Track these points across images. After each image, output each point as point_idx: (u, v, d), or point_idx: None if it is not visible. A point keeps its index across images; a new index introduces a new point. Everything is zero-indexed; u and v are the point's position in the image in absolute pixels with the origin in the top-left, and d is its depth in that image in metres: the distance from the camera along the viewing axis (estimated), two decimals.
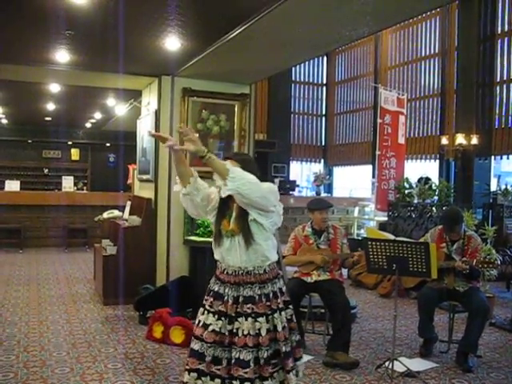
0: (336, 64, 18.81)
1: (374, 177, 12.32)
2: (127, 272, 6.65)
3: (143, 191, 7.71)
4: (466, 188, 12.55)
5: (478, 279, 5.20)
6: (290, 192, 15.57)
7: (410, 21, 14.61)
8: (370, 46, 17.00)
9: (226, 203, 2.92)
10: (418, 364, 4.78)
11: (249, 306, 2.82)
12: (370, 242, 4.55)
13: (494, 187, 11.93)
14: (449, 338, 5.22)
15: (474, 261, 4.72)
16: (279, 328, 2.83)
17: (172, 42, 5.76)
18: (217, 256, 2.98)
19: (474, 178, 12.56)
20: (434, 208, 9.75)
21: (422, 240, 5.11)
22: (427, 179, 10.03)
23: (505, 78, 12.68)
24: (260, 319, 2.81)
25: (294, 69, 17.84)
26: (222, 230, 2.92)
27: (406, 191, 9.63)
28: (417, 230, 9.16)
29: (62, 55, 6.51)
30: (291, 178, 17.40)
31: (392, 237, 5.34)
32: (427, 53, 14.93)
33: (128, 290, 6.49)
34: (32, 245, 11.54)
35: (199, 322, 2.91)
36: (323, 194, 15.86)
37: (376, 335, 5.75)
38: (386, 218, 9.63)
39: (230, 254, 2.89)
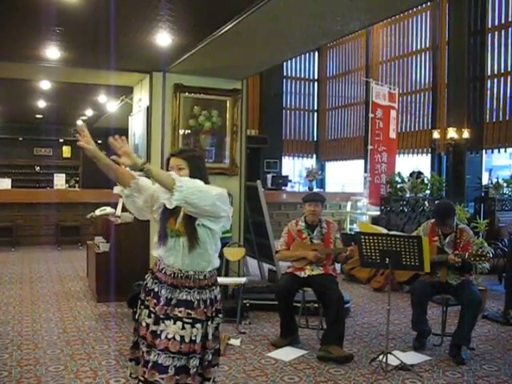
0: (327, 59, 18.82)
1: (366, 171, 12.34)
2: (120, 269, 6.63)
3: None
4: (458, 182, 12.60)
5: (471, 272, 5.23)
6: (283, 187, 15.57)
7: (401, 15, 14.65)
8: (362, 40, 17.02)
9: None
10: (411, 357, 4.79)
11: (181, 309, 2.72)
12: (362, 236, 4.56)
13: (485, 181, 11.97)
14: (442, 331, 5.24)
15: (467, 254, 4.75)
16: (209, 336, 2.78)
17: (163, 38, 5.75)
18: (156, 253, 2.88)
19: (465, 172, 12.61)
20: (426, 202, 9.78)
21: (414, 234, 5.13)
22: (419, 173, 10.05)
23: (495, 72, 12.75)
24: (197, 325, 2.72)
25: (285, 64, 17.85)
26: (167, 229, 2.80)
27: (399, 185, 9.65)
28: (409, 223, 9.19)
29: (53, 52, 6.48)
30: (283, 173, 17.42)
31: (385, 231, 5.35)
32: (418, 47, 14.97)
33: (121, 287, 6.46)
34: (24, 243, 11.48)
35: (138, 314, 2.88)
36: (315, 189, 15.88)
37: (369, 329, 5.77)
38: (378, 213, 9.65)
39: (172, 254, 2.78)
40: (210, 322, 2.79)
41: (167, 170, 2.83)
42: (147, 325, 2.77)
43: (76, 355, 4.73)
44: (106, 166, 2.79)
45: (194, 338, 2.71)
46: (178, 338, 2.68)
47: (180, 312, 2.72)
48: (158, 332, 2.71)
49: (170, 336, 2.68)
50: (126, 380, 4.16)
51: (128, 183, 2.80)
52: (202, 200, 2.59)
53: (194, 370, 2.70)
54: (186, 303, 2.73)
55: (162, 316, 2.73)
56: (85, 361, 4.59)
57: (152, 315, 2.76)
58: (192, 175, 2.75)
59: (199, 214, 2.66)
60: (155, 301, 2.78)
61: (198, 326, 2.73)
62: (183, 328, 2.70)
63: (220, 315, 2.90)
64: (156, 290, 2.80)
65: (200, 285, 2.77)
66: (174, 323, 2.70)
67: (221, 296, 2.95)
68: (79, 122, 2.84)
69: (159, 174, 2.61)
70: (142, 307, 2.84)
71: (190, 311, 2.72)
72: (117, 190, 2.85)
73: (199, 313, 2.74)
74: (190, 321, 2.71)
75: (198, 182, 2.64)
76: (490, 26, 12.82)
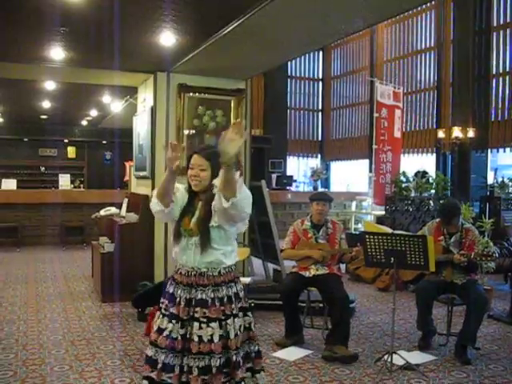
0: (332, 59, 18.80)
1: (371, 171, 12.32)
2: (125, 269, 6.64)
3: (140, 188, 7.69)
4: (463, 181, 12.57)
5: (476, 272, 5.20)
6: (287, 187, 15.55)
7: (406, 14, 14.61)
8: (366, 40, 16.99)
9: (191, 202, 2.85)
10: (416, 357, 4.78)
11: (197, 309, 2.73)
12: (367, 236, 4.55)
13: (490, 180, 11.93)
14: (447, 331, 5.22)
15: (472, 254, 4.73)
16: (231, 335, 2.73)
17: (167, 38, 5.74)
18: (173, 254, 2.90)
19: (470, 171, 12.57)
20: (431, 201, 9.76)
21: (419, 233, 5.11)
22: (424, 173, 10.03)
23: (501, 71, 12.69)
24: (212, 324, 2.71)
25: (290, 64, 17.84)
26: (181, 228, 2.83)
27: (404, 185, 9.63)
28: (414, 223, 9.17)
29: (57, 52, 6.48)
30: (288, 173, 17.39)
31: (390, 230, 5.33)
32: (423, 46, 14.93)
33: (126, 287, 6.47)
34: (29, 243, 11.51)
35: (156, 326, 2.84)
36: (320, 189, 15.86)
37: (375, 329, 5.76)
38: (383, 212, 9.63)
39: (185, 254, 2.80)
40: (230, 321, 2.74)
41: (187, 167, 2.84)
42: (169, 332, 2.76)
43: (81, 355, 4.74)
44: (174, 178, 2.80)
45: (209, 338, 2.70)
46: (196, 338, 2.70)
47: (197, 312, 2.73)
48: (188, 335, 2.73)
49: (196, 339, 2.69)
50: (130, 380, 4.16)
51: (170, 198, 2.80)
52: (247, 205, 2.62)
53: (215, 369, 2.68)
54: (201, 302, 2.74)
55: (185, 317, 2.74)
56: (90, 361, 4.60)
57: (173, 320, 2.76)
58: (214, 175, 2.77)
59: (230, 217, 2.64)
60: (167, 302, 2.82)
61: (214, 325, 2.71)
62: (200, 328, 2.71)
63: (249, 314, 2.86)
64: (171, 291, 2.83)
65: (215, 282, 2.77)
66: (200, 325, 2.72)
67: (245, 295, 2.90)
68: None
69: (235, 179, 2.58)
70: (161, 317, 2.85)
71: (205, 310, 2.73)
72: (157, 207, 2.82)
73: (214, 311, 2.73)
74: (205, 320, 2.71)
75: (248, 192, 2.64)
76: (495, 24, 12.77)
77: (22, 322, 5.80)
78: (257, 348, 2.88)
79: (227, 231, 2.76)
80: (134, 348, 4.96)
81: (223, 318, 2.73)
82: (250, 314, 2.86)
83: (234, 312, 2.77)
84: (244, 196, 2.59)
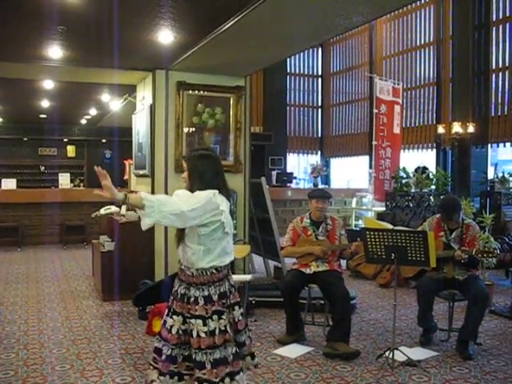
0: (331, 55, 18.75)
1: (371, 167, 12.30)
2: (126, 267, 6.64)
3: (140, 186, 7.69)
4: (464, 176, 12.55)
5: (477, 267, 5.20)
6: (288, 184, 15.54)
7: (405, 9, 14.58)
8: (365, 36, 16.95)
9: None
10: (418, 353, 4.77)
11: (174, 300, 2.97)
12: (368, 232, 4.54)
13: (491, 175, 11.91)
14: (449, 327, 5.22)
15: (474, 250, 4.71)
16: (194, 334, 2.83)
17: (165, 36, 5.73)
18: None
19: (471, 167, 12.55)
20: (431, 197, 9.75)
21: (420, 229, 5.10)
22: (424, 168, 10.02)
23: (500, 66, 12.65)
24: (174, 317, 2.91)
25: (289, 61, 17.79)
26: None
27: (404, 181, 9.62)
28: (415, 219, 9.15)
29: (55, 51, 6.47)
30: (288, 170, 17.38)
31: (390, 226, 5.32)
32: (422, 42, 14.88)
33: (127, 286, 6.47)
34: (30, 243, 11.51)
35: (164, 322, 3.01)
36: (321, 186, 15.83)
37: (376, 325, 5.75)
38: (383, 208, 9.62)
39: (179, 250, 2.99)
40: (193, 320, 2.84)
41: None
42: (176, 329, 2.93)
43: (82, 354, 4.73)
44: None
45: (168, 328, 2.93)
46: (162, 321, 3.01)
47: (170, 300, 2.99)
48: (189, 331, 2.89)
49: (194, 334, 2.85)
50: (131, 378, 4.16)
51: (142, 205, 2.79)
52: (173, 222, 2.72)
53: (164, 356, 2.89)
54: (175, 293, 2.96)
55: (184, 313, 2.91)
56: (91, 360, 4.59)
57: (169, 313, 2.96)
58: (190, 176, 2.95)
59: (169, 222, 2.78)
60: (172, 298, 2.99)
61: (175, 317, 2.91)
62: (167, 315, 2.99)
63: (223, 316, 2.88)
64: (176, 288, 2.99)
65: (188, 281, 2.91)
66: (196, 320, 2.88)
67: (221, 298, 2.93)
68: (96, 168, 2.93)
69: (135, 203, 2.72)
70: (171, 314, 3.00)
71: (174, 301, 2.96)
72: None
73: (179, 306, 2.92)
74: (171, 310, 2.96)
75: (174, 204, 2.73)
76: (494, 19, 12.73)
77: (23, 321, 5.80)
78: (235, 350, 2.91)
79: (198, 230, 2.83)
80: (134, 346, 4.96)
81: (188, 315, 2.87)
82: (224, 316, 2.89)
83: (197, 313, 2.85)
84: (161, 214, 2.67)
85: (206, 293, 2.87)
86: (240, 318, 2.99)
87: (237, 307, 2.99)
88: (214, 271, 2.89)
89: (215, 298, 2.87)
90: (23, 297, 6.95)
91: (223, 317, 2.88)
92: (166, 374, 2.88)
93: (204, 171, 2.92)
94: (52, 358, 4.62)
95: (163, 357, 2.89)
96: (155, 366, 2.96)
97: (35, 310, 6.27)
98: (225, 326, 2.87)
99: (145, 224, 2.71)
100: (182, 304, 2.89)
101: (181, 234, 2.90)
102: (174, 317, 2.91)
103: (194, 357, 2.84)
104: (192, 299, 2.86)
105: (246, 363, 3.03)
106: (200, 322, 2.83)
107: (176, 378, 2.90)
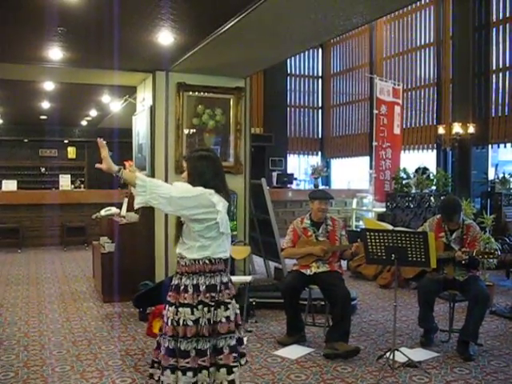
0: (331, 56, 18.78)
1: (371, 168, 12.30)
2: (126, 269, 6.63)
3: None
4: (464, 177, 12.55)
5: (478, 268, 5.19)
6: (288, 185, 15.55)
7: (405, 10, 14.60)
8: (365, 37, 16.96)
9: None
10: (419, 354, 4.77)
11: (170, 293, 3.02)
12: (368, 233, 4.53)
13: (491, 176, 11.91)
14: (449, 328, 5.21)
15: (474, 251, 4.71)
16: (180, 322, 2.89)
17: (165, 37, 5.74)
18: None
19: (471, 167, 12.55)
20: (432, 198, 9.74)
21: (420, 230, 5.09)
22: (425, 169, 10.01)
23: (500, 66, 12.66)
24: (168, 307, 2.97)
25: (289, 62, 17.81)
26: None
27: (404, 181, 9.62)
28: (415, 219, 9.15)
29: (56, 53, 6.48)
30: (289, 171, 17.40)
31: (390, 227, 5.32)
32: (422, 42, 14.90)
33: (127, 287, 6.47)
34: (31, 244, 11.51)
35: (162, 317, 3.07)
36: (321, 187, 15.84)
37: (376, 326, 5.75)
38: (384, 209, 9.62)
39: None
40: (181, 309, 2.89)
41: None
42: (169, 320, 2.98)
43: (82, 355, 4.73)
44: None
45: (165, 320, 2.96)
46: (165, 319, 2.97)
47: (170, 296, 2.99)
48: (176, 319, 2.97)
49: (180, 322, 2.90)
50: (132, 380, 4.15)
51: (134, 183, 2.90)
52: (163, 205, 2.80)
53: (164, 350, 2.91)
54: (175, 287, 2.98)
55: (177, 304, 2.97)
56: (91, 361, 4.59)
57: (166, 306, 3.03)
58: (189, 175, 3.02)
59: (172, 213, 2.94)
60: (169, 292, 3.05)
61: (170, 308, 2.94)
62: (165, 308, 3.01)
63: (211, 309, 2.91)
64: (173, 281, 3.05)
65: (181, 271, 2.96)
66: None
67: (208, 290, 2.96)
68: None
69: (128, 178, 2.87)
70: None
71: (170, 293, 2.99)
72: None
73: (171, 296, 2.97)
74: (169, 302, 2.99)
75: (166, 188, 2.83)
76: (494, 20, 12.74)
77: (24, 322, 5.79)
78: (208, 345, 2.92)
79: (192, 227, 2.89)
80: (135, 348, 4.95)
81: (177, 304, 2.92)
82: (212, 309, 2.92)
83: (186, 302, 2.90)
84: (152, 195, 2.78)
85: (195, 282, 2.91)
86: (224, 320, 2.93)
87: (223, 307, 2.94)
88: (206, 261, 2.93)
89: (202, 288, 2.90)
90: (24, 298, 6.95)
91: (211, 309, 2.91)
92: (166, 368, 2.87)
93: (203, 172, 2.96)
94: (52, 360, 4.62)
95: (162, 350, 2.92)
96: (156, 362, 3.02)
97: (36, 312, 6.27)
98: (208, 320, 2.91)
99: (136, 202, 2.82)
100: (175, 294, 2.95)
101: (178, 231, 2.97)
102: (169, 307, 2.95)
103: (178, 345, 2.87)
104: (182, 287, 2.92)
105: (218, 375, 2.92)
106: (188, 310, 2.88)
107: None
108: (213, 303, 2.90)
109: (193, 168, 2.99)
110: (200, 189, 2.88)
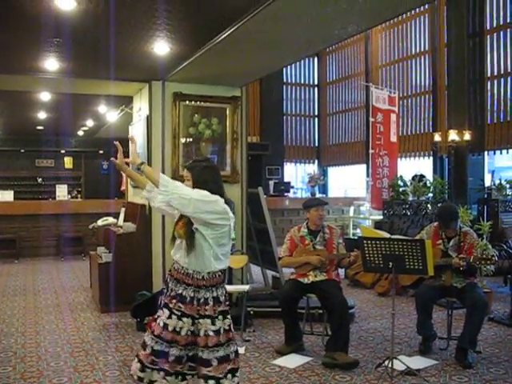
0: (327, 64, 18.83)
1: (368, 176, 12.32)
2: (123, 279, 6.62)
3: (137, 197, 7.66)
4: (461, 184, 12.53)
5: (475, 275, 5.19)
6: (285, 194, 15.54)
7: (399, 19, 14.65)
8: (360, 45, 17.02)
9: None
10: (417, 362, 4.76)
11: (174, 301, 3.00)
12: (365, 241, 4.53)
13: (488, 182, 11.93)
14: (448, 335, 5.21)
15: (472, 258, 4.71)
16: (201, 333, 2.95)
17: (161, 47, 5.74)
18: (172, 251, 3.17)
19: (467, 174, 12.55)
20: (429, 205, 9.76)
21: (417, 237, 5.09)
22: (421, 176, 10.04)
23: (495, 73, 12.72)
24: (184, 319, 2.96)
25: (285, 70, 17.86)
26: (174, 231, 3.10)
27: (401, 189, 9.63)
28: (412, 227, 9.16)
29: (52, 63, 6.48)
30: (286, 179, 17.38)
31: (387, 235, 5.32)
32: (417, 50, 14.96)
33: (125, 297, 6.44)
34: (28, 254, 11.47)
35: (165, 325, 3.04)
36: (318, 195, 15.83)
37: (375, 334, 5.74)
38: (381, 217, 9.63)
39: (178, 252, 3.09)
40: (202, 320, 2.96)
41: (183, 180, 3.13)
42: (184, 330, 3.02)
43: (80, 366, 4.71)
44: (130, 175, 3.23)
45: (178, 330, 2.97)
46: (161, 324, 3.00)
47: (172, 303, 3.01)
48: (196, 331, 3.01)
49: (161, 323, 3.00)
50: None
51: (144, 186, 3.11)
52: (183, 206, 2.88)
53: (173, 358, 2.96)
54: (181, 297, 3.00)
55: (163, 304, 3.06)
56: (88, 372, 4.57)
57: (174, 315, 3.02)
58: (195, 185, 3.05)
59: (191, 218, 2.95)
60: (166, 292, 3.09)
61: (185, 319, 2.97)
62: (169, 317, 2.99)
63: (228, 316, 3.06)
64: (179, 291, 3.04)
65: (197, 284, 2.99)
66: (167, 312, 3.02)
67: (226, 299, 3.12)
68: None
69: (150, 174, 2.97)
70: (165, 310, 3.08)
71: (180, 304, 2.99)
72: (141, 195, 3.21)
73: (189, 309, 2.98)
74: (178, 313, 2.98)
75: (187, 189, 2.91)
76: (488, 27, 12.81)
77: (20, 334, 5.77)
78: (236, 348, 3.08)
79: (205, 234, 2.95)
80: (133, 358, 4.91)
81: (197, 317, 2.97)
82: (229, 316, 3.07)
83: (208, 313, 2.97)
84: (173, 195, 2.85)
85: (215, 294, 3.02)
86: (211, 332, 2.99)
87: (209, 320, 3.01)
88: (220, 273, 3.06)
89: (222, 298, 3.05)
90: (21, 309, 6.92)
91: (228, 316, 3.05)
92: (172, 375, 2.98)
93: (207, 180, 3.06)
94: (49, 371, 4.59)
95: (171, 358, 2.96)
96: (154, 367, 2.99)
97: (33, 323, 6.24)
98: (229, 326, 3.04)
99: (157, 200, 2.90)
100: (191, 306, 2.97)
101: (191, 242, 2.97)
102: (184, 319, 2.97)
103: (199, 355, 2.95)
104: (202, 300, 2.98)
105: None
106: (209, 321, 2.97)
107: (180, 377, 3.03)
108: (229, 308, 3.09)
109: (198, 177, 3.07)
110: (215, 196, 2.97)
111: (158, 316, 3.05)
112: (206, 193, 2.97)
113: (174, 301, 3.00)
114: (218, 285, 3.04)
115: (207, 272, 2.99)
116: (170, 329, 2.97)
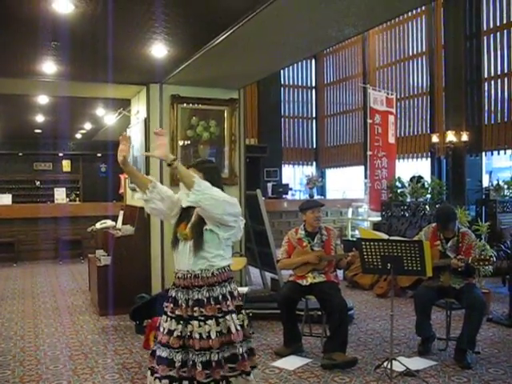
0: (324, 66, 18.87)
1: (366, 177, 12.33)
2: (122, 282, 6.62)
3: (135, 200, 7.66)
4: (459, 185, 12.59)
5: (474, 276, 5.20)
6: (283, 196, 15.54)
7: (397, 20, 14.72)
8: (358, 47, 17.07)
9: (187, 209, 3.01)
10: (416, 363, 4.76)
11: (196, 308, 2.89)
12: (363, 243, 4.53)
13: (486, 183, 11.96)
14: (446, 336, 5.21)
15: (470, 258, 4.72)
16: (233, 330, 2.89)
17: (158, 50, 5.75)
18: (174, 260, 3.09)
19: (465, 175, 12.59)
20: (427, 206, 9.76)
21: (415, 238, 5.10)
22: (419, 178, 10.05)
23: (492, 75, 12.76)
24: (209, 322, 2.88)
25: (282, 72, 17.89)
26: (177, 233, 3.02)
27: (399, 190, 9.64)
28: (411, 228, 9.17)
29: (49, 66, 6.49)
30: (284, 181, 17.38)
31: (385, 236, 5.32)
32: (415, 52, 15.01)
33: (123, 300, 6.43)
34: (26, 258, 11.46)
35: (163, 329, 2.97)
36: (316, 197, 15.84)
37: (374, 335, 5.74)
38: (379, 218, 9.63)
39: (181, 258, 2.99)
40: (228, 316, 2.90)
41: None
42: (180, 333, 2.90)
43: (79, 370, 4.70)
44: (131, 172, 3.06)
45: (207, 335, 2.86)
46: (197, 336, 2.85)
47: (195, 311, 2.89)
48: (188, 333, 2.89)
49: (197, 336, 2.85)
50: None
51: (146, 187, 3.01)
52: (214, 207, 2.81)
53: (214, 363, 2.84)
54: (198, 302, 2.91)
55: (187, 317, 2.90)
56: (88, 375, 4.56)
57: (181, 321, 2.91)
58: None
59: (209, 219, 2.88)
60: (172, 305, 2.96)
61: (210, 322, 2.87)
62: (199, 326, 2.87)
63: (242, 312, 3.01)
64: (173, 295, 2.99)
65: (209, 282, 2.93)
66: (198, 323, 2.88)
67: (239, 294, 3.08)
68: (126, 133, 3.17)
69: (184, 172, 2.84)
70: (169, 319, 2.97)
71: (201, 309, 2.89)
72: (137, 196, 3.11)
73: (209, 309, 2.89)
74: (202, 318, 2.88)
75: (215, 191, 2.85)
76: (485, 28, 12.85)
77: (19, 337, 5.76)
78: (251, 345, 3.03)
79: (219, 235, 2.93)
80: (132, 361, 4.93)
81: (220, 315, 2.90)
82: (243, 311, 3.02)
83: (230, 308, 2.93)
84: (205, 195, 2.79)
85: (229, 288, 2.97)
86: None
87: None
88: (228, 268, 3.02)
89: (235, 293, 3.01)
90: (19, 312, 6.92)
91: (241, 311, 3.01)
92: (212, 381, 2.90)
93: (216, 181, 3.01)
94: (48, 375, 4.59)
95: (198, 366, 2.84)
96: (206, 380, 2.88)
97: (31, 326, 6.23)
98: (242, 321, 2.98)
99: (188, 200, 2.82)
100: (211, 306, 2.90)
101: (200, 243, 2.91)
102: (209, 321, 2.87)
103: (237, 351, 2.88)
104: (220, 297, 2.92)
105: None
106: (234, 316, 2.93)
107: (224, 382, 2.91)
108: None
109: (211, 179, 2.95)
110: (234, 197, 2.96)
111: (190, 331, 2.88)
112: (227, 195, 2.95)
113: (196, 308, 2.89)
114: (229, 279, 3.00)
115: (216, 268, 2.95)
116: (204, 336, 2.86)
